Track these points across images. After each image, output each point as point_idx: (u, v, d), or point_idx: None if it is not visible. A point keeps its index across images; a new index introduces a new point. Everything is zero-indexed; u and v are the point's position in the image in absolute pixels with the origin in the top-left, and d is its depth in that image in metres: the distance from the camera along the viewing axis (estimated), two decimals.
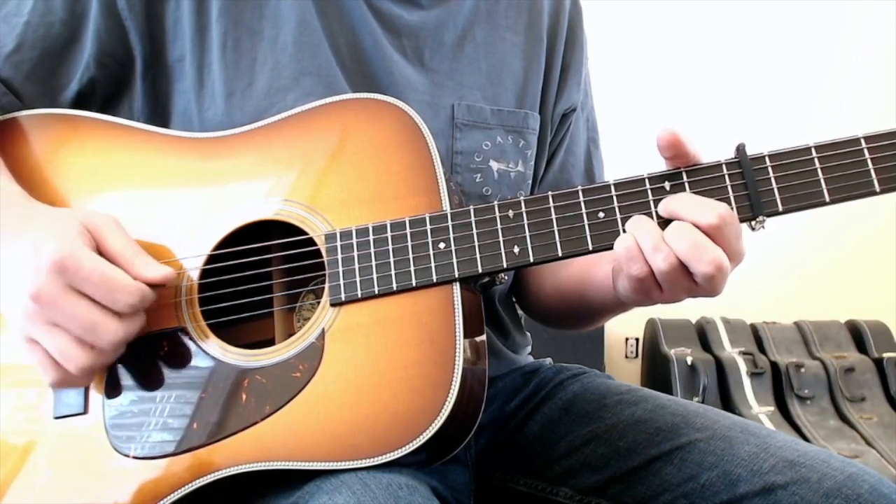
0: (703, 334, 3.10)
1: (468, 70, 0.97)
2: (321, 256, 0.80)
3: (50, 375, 0.75)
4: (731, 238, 0.73)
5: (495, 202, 0.79)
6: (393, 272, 0.78)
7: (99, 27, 0.89)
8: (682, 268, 0.73)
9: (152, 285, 0.76)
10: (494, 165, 0.97)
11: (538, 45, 1.03)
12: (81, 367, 0.74)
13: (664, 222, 0.75)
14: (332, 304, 0.78)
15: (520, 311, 1.13)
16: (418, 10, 0.96)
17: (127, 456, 0.78)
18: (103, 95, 0.92)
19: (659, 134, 0.75)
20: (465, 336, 0.75)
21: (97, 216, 0.78)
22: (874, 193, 0.74)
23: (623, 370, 3.28)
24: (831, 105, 3.24)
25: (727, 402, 2.84)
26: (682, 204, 0.74)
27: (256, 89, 0.89)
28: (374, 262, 0.78)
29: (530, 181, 1.02)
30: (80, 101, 0.91)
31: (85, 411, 0.80)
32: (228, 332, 0.81)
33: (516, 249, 0.78)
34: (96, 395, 0.81)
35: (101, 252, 0.76)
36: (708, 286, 0.73)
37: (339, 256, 0.79)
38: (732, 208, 0.74)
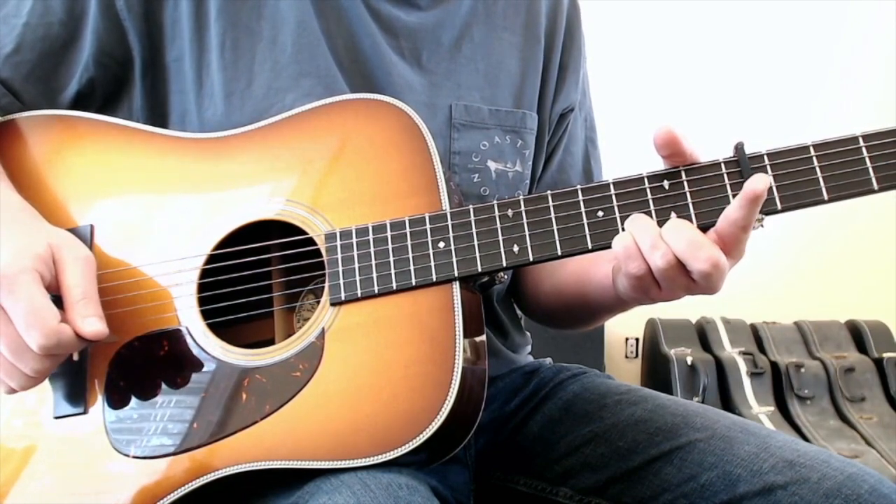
0: (703, 334, 3.10)
1: (466, 70, 0.97)
2: (321, 256, 0.81)
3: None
4: (741, 241, 0.73)
5: (495, 202, 0.79)
6: (392, 272, 0.78)
7: (98, 27, 0.89)
8: (680, 266, 0.73)
9: (81, 336, 0.75)
10: (492, 165, 0.97)
11: (536, 46, 1.03)
12: (18, 384, 0.75)
13: (663, 221, 0.75)
14: (332, 304, 0.78)
15: (519, 311, 1.13)
16: (416, 12, 0.96)
17: (127, 456, 0.78)
18: (103, 96, 0.92)
19: (655, 132, 0.75)
20: (465, 335, 0.75)
21: (72, 249, 0.77)
22: (872, 192, 0.74)
23: (623, 370, 3.28)
24: (830, 104, 3.24)
25: (727, 402, 2.84)
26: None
27: (255, 90, 0.89)
28: (373, 262, 0.79)
29: (528, 181, 1.02)
30: (80, 102, 0.91)
31: (85, 411, 0.81)
32: (229, 333, 0.82)
33: (516, 248, 0.78)
34: (96, 395, 0.81)
35: (55, 284, 0.75)
36: (705, 284, 0.73)
37: (339, 256, 0.79)
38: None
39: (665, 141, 0.75)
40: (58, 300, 0.75)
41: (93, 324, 0.75)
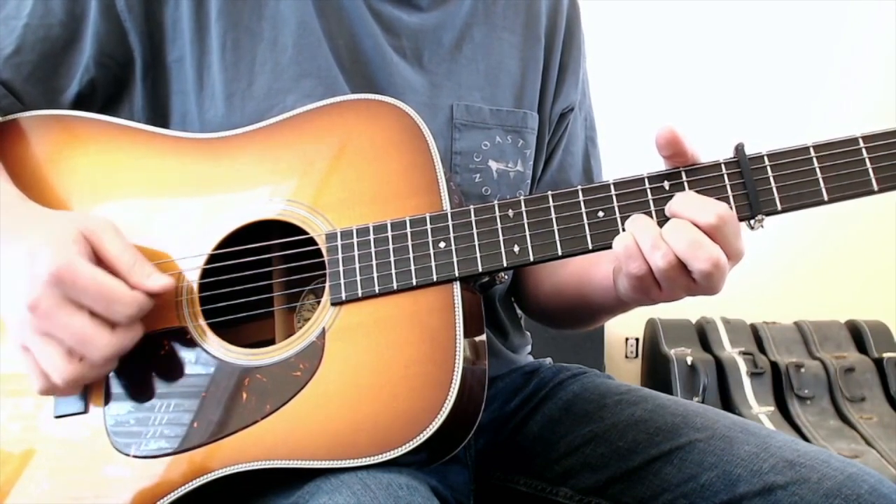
0: (703, 334, 3.10)
1: (466, 71, 0.98)
2: (321, 256, 0.81)
3: (37, 384, 0.75)
4: (730, 237, 0.73)
5: (495, 202, 0.79)
6: (393, 271, 0.78)
7: (98, 28, 0.89)
8: (681, 266, 0.73)
9: (151, 294, 0.76)
10: (493, 165, 0.97)
11: (536, 45, 1.03)
12: (66, 378, 0.74)
13: (663, 221, 0.75)
14: (333, 304, 0.79)
15: (519, 312, 1.13)
16: (417, 13, 0.96)
17: (127, 455, 0.78)
18: (103, 96, 0.92)
19: (657, 132, 0.75)
20: (466, 335, 0.75)
21: (94, 221, 0.78)
22: (872, 192, 0.74)
23: (623, 370, 3.28)
24: (829, 104, 3.24)
25: (727, 402, 2.85)
26: (682, 203, 0.75)
27: (256, 90, 0.89)
28: (374, 262, 0.79)
29: (529, 181, 1.03)
30: (81, 103, 0.91)
31: (85, 410, 0.81)
32: (229, 333, 0.82)
33: (516, 249, 0.78)
34: (97, 395, 0.81)
35: (98, 259, 0.76)
36: (706, 284, 0.74)
37: (340, 256, 0.79)
38: (731, 207, 0.75)
39: (667, 141, 0.75)
40: None
41: (159, 279, 0.77)
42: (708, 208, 0.73)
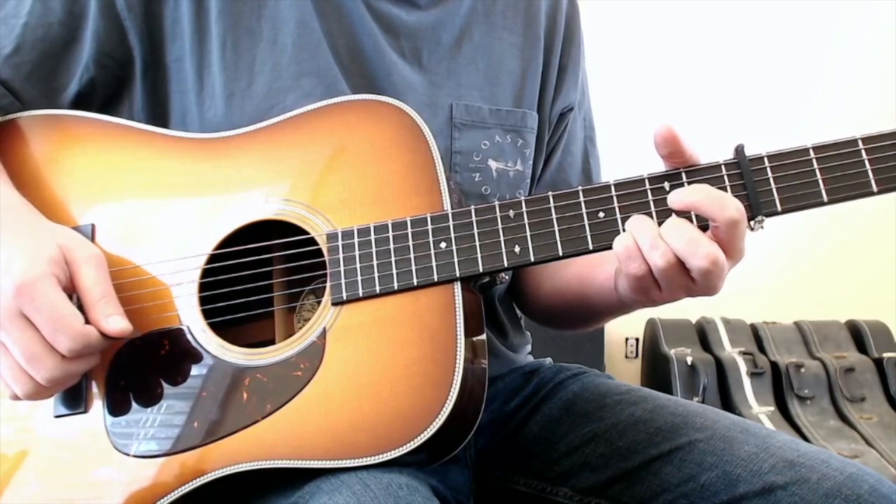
0: (703, 334, 3.10)
1: (466, 70, 0.98)
2: (322, 256, 0.81)
3: (6, 390, 0.76)
4: (739, 235, 0.73)
5: (496, 202, 0.79)
6: (394, 271, 0.78)
7: (98, 28, 0.89)
8: (680, 265, 0.73)
9: (106, 336, 0.75)
10: (493, 165, 0.97)
11: (536, 45, 1.03)
12: (23, 391, 0.75)
13: (663, 222, 0.75)
14: (334, 304, 0.79)
15: (519, 312, 1.13)
16: (416, 11, 0.96)
17: (127, 455, 0.78)
18: (103, 96, 0.92)
19: (655, 130, 0.75)
20: (466, 335, 0.75)
21: (81, 248, 0.78)
22: (872, 194, 0.74)
23: (623, 370, 3.28)
24: (828, 105, 3.24)
25: (727, 402, 2.85)
26: (697, 197, 0.73)
27: (256, 90, 0.89)
28: (375, 262, 0.79)
29: (529, 180, 1.03)
30: (81, 102, 0.91)
31: (85, 410, 0.81)
32: (229, 333, 0.82)
33: (517, 249, 0.78)
34: (97, 394, 0.81)
35: (71, 285, 0.76)
36: (704, 283, 0.74)
37: (341, 256, 0.80)
38: None
39: (665, 139, 0.75)
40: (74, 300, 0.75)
41: (117, 322, 0.76)
42: (729, 204, 0.72)
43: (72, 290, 0.76)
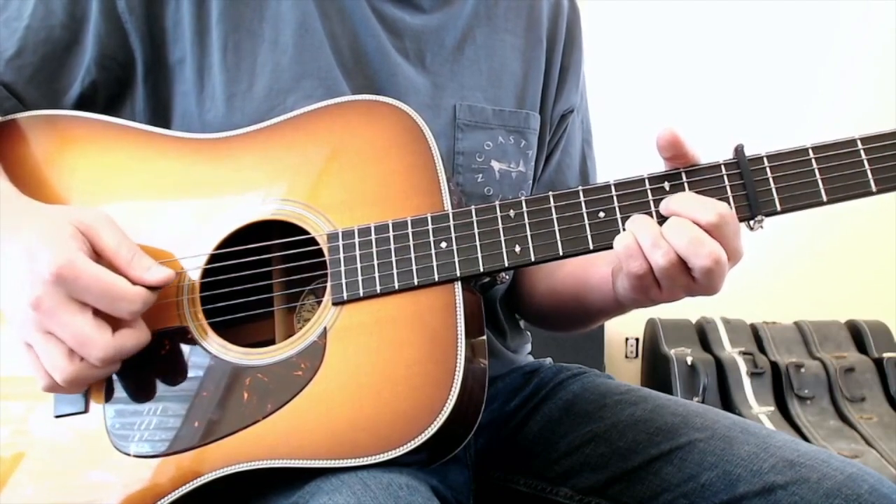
0: (703, 334, 3.10)
1: (469, 72, 0.98)
2: (322, 256, 0.81)
3: (40, 382, 0.75)
4: (730, 235, 0.74)
5: (496, 202, 0.79)
6: (395, 271, 0.78)
7: (99, 30, 0.89)
8: (681, 264, 0.73)
9: (152, 288, 0.76)
10: (496, 165, 0.98)
11: (537, 47, 1.03)
12: (67, 378, 0.74)
13: (663, 220, 0.75)
14: (334, 304, 0.79)
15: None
16: (420, 14, 0.96)
17: (128, 455, 0.78)
18: (105, 98, 0.92)
19: (659, 133, 0.76)
20: (467, 335, 0.75)
21: (88, 214, 0.77)
22: (871, 193, 0.74)
23: (623, 370, 3.28)
24: (827, 105, 3.25)
25: (727, 402, 2.85)
26: (682, 203, 0.75)
27: (257, 91, 0.89)
28: (375, 262, 0.79)
29: (531, 181, 1.03)
30: (83, 104, 0.91)
31: (85, 410, 0.81)
32: (230, 333, 0.82)
33: (517, 249, 0.78)
34: (97, 394, 0.81)
35: (95, 253, 0.75)
36: (706, 282, 0.74)
37: (342, 256, 0.80)
38: (731, 208, 0.75)
39: (668, 142, 0.75)
40: None
41: (159, 271, 0.76)
42: (708, 207, 0.74)
43: (97, 259, 0.75)
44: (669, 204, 0.75)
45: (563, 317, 1.07)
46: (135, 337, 0.76)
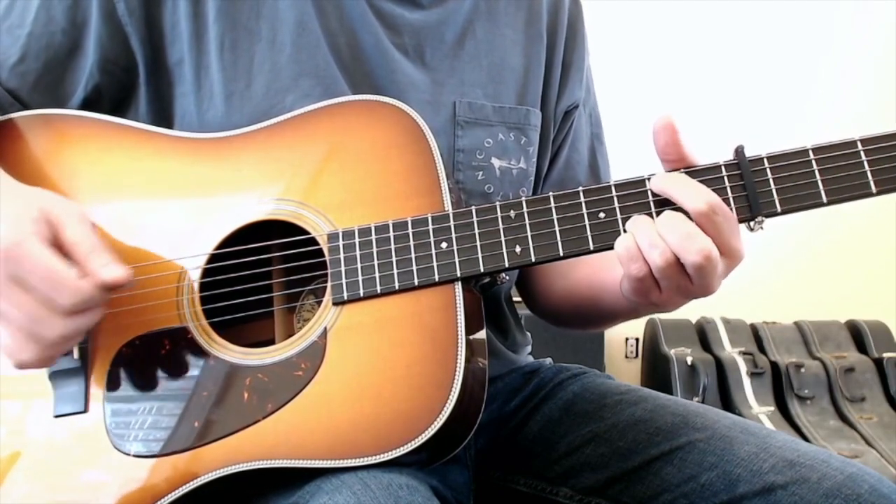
0: (703, 334, 3.10)
1: (469, 68, 0.97)
2: (322, 257, 0.81)
3: (7, 359, 0.74)
4: (723, 230, 0.74)
5: (497, 202, 0.79)
6: (395, 271, 0.78)
7: (100, 34, 0.89)
8: (678, 263, 0.73)
9: (107, 286, 0.74)
10: (496, 162, 0.97)
11: (538, 43, 1.03)
12: (26, 359, 0.73)
13: (660, 211, 0.75)
14: (335, 303, 0.79)
15: (520, 312, 1.13)
16: (419, 10, 0.96)
17: (128, 454, 0.78)
18: (110, 102, 0.92)
19: (656, 119, 0.76)
20: (467, 335, 0.76)
21: (60, 205, 0.75)
22: (871, 195, 0.75)
23: (623, 370, 3.28)
24: (828, 106, 3.24)
25: (727, 402, 2.85)
26: (673, 183, 0.75)
27: (255, 90, 0.89)
28: (376, 262, 0.79)
29: (532, 178, 1.02)
30: (88, 109, 0.91)
31: (85, 410, 0.81)
32: (230, 333, 0.82)
33: (518, 249, 0.78)
34: (97, 394, 0.81)
35: (58, 243, 0.74)
36: (700, 280, 0.74)
37: (342, 256, 0.80)
38: (731, 209, 0.75)
39: (664, 127, 0.76)
40: None
41: (113, 270, 0.74)
42: (701, 194, 0.74)
43: (58, 248, 0.73)
44: (662, 182, 0.76)
45: (578, 317, 1.07)
46: (88, 320, 0.74)
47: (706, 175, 0.76)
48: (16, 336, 0.73)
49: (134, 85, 0.92)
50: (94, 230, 0.76)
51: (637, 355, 3.32)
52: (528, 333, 1.14)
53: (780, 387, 2.90)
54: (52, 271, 0.71)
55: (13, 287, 0.71)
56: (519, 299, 1.14)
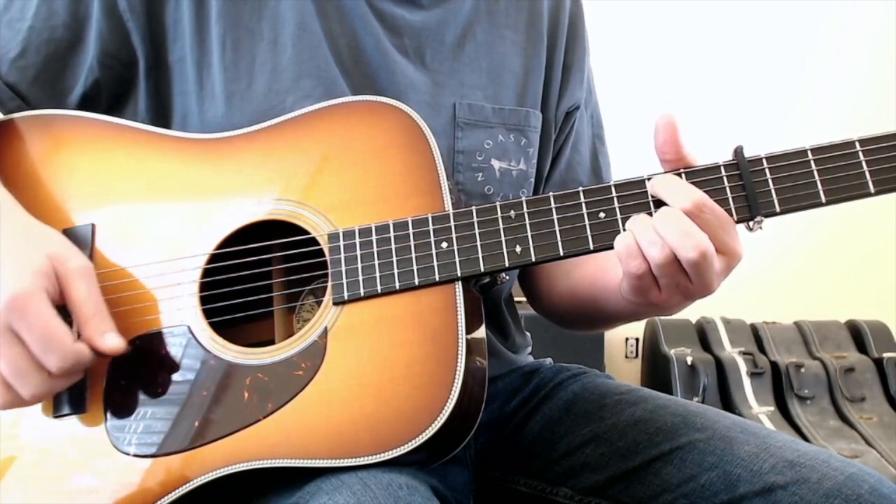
0: (703, 334, 3.10)
1: (469, 69, 0.98)
2: (322, 257, 0.81)
3: None
4: (714, 227, 0.74)
5: (497, 203, 0.79)
6: (395, 271, 0.78)
7: (101, 29, 0.89)
8: (676, 260, 0.73)
9: (99, 352, 0.74)
10: (496, 164, 0.97)
11: (539, 44, 1.03)
12: (2, 403, 0.73)
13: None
14: (335, 303, 0.79)
15: (521, 312, 1.14)
16: (419, 11, 0.96)
17: (127, 454, 0.78)
18: (109, 97, 0.92)
19: (658, 117, 0.77)
20: (467, 335, 0.76)
21: (72, 259, 0.76)
22: (869, 195, 0.75)
23: (623, 370, 3.28)
24: (827, 107, 3.25)
25: (727, 402, 2.85)
26: (664, 185, 0.76)
27: (256, 91, 0.89)
28: (376, 262, 0.79)
29: (532, 179, 1.02)
30: (86, 104, 0.91)
31: (85, 410, 0.81)
32: (230, 333, 0.82)
33: (518, 249, 0.78)
34: (97, 394, 0.81)
35: (61, 299, 0.74)
36: (697, 279, 0.74)
37: (342, 256, 0.80)
38: (731, 209, 0.75)
39: (666, 122, 0.76)
40: (62, 311, 0.74)
41: (112, 339, 0.75)
42: (688, 193, 0.75)
43: (61, 303, 0.74)
44: (653, 184, 0.77)
45: (582, 317, 1.07)
46: (67, 383, 0.75)
47: (705, 175, 0.77)
48: None
49: (133, 80, 0.92)
50: (98, 289, 0.76)
51: (637, 355, 3.32)
52: (528, 334, 1.14)
53: (780, 387, 2.90)
54: (51, 332, 0.71)
55: (8, 336, 0.71)
56: (520, 300, 1.14)
